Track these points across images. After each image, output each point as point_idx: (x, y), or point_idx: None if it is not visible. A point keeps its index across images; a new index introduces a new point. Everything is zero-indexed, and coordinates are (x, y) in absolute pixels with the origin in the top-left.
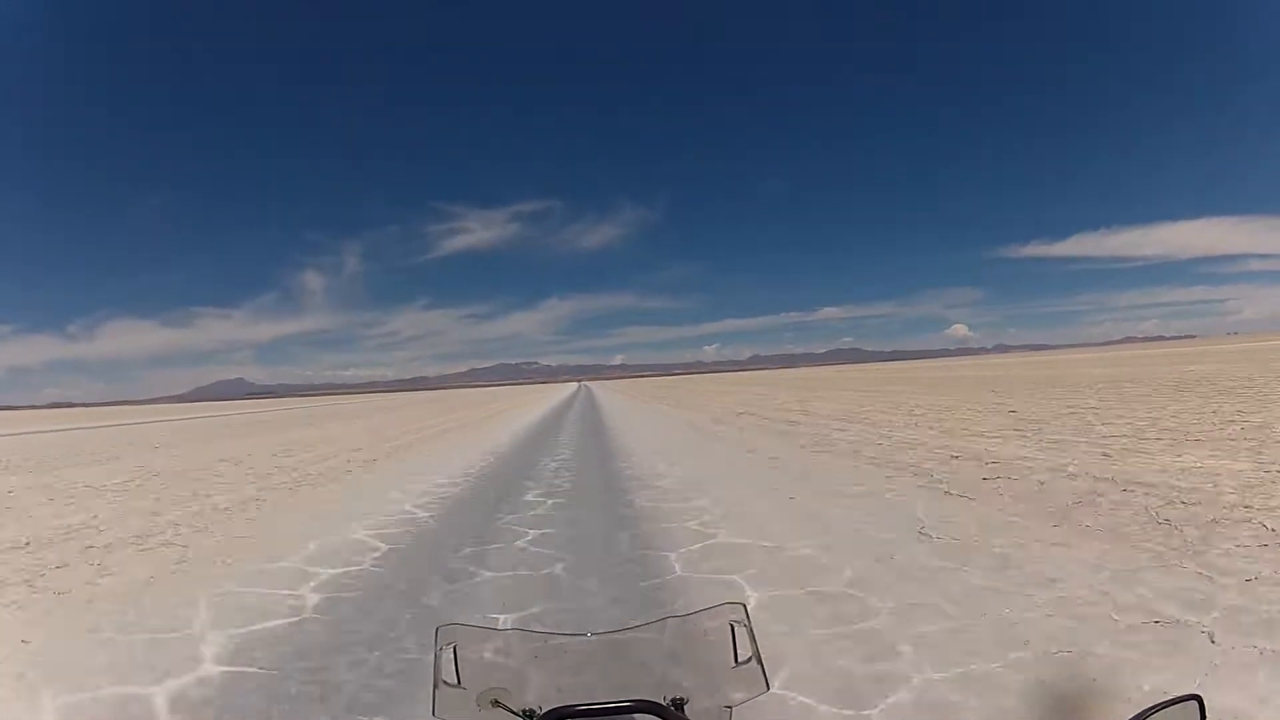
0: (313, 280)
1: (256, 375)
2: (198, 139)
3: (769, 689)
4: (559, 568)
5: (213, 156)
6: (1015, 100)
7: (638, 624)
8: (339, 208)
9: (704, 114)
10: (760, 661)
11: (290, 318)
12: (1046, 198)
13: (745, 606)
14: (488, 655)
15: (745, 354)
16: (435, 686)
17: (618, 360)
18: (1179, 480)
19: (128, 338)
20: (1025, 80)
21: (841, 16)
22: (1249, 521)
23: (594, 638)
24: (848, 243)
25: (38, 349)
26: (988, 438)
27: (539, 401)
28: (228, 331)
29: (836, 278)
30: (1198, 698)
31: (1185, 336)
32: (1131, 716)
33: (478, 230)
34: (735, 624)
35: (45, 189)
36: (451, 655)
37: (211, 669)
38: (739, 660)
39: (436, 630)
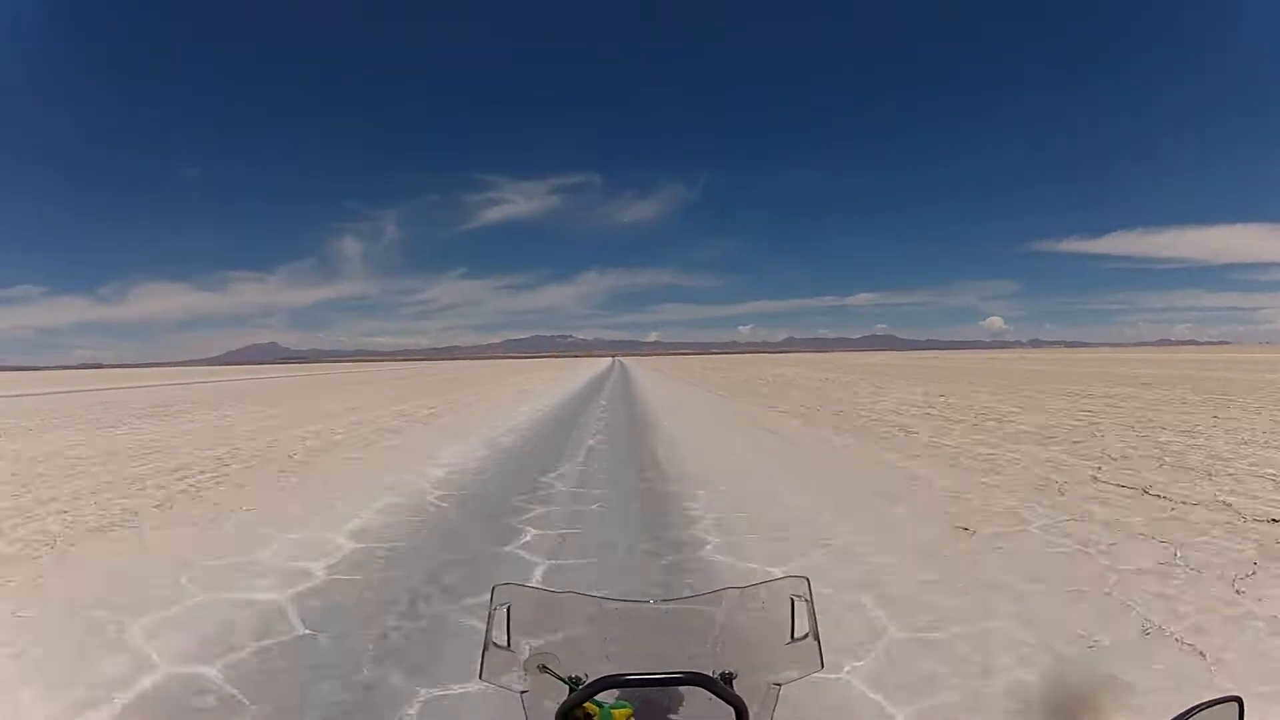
0: (350, 247)
1: (288, 340)
2: (239, 106)
3: (822, 668)
4: None
5: (253, 123)
6: (1058, 95)
7: (698, 593)
8: (379, 175)
9: (746, 93)
10: (817, 639)
11: (326, 283)
12: (1085, 193)
13: (808, 581)
14: (541, 618)
15: (780, 336)
16: (485, 649)
17: (653, 337)
18: None
19: (160, 300)
20: (1068, 76)
21: (887, 6)
22: None
23: (651, 605)
24: (886, 228)
25: (68, 310)
26: None
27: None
28: (262, 296)
29: (873, 263)
30: (1238, 699)
31: (1220, 343)
32: (1172, 718)
33: (517, 201)
34: (796, 598)
35: (81, 152)
36: (504, 616)
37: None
38: (795, 636)
39: (493, 590)
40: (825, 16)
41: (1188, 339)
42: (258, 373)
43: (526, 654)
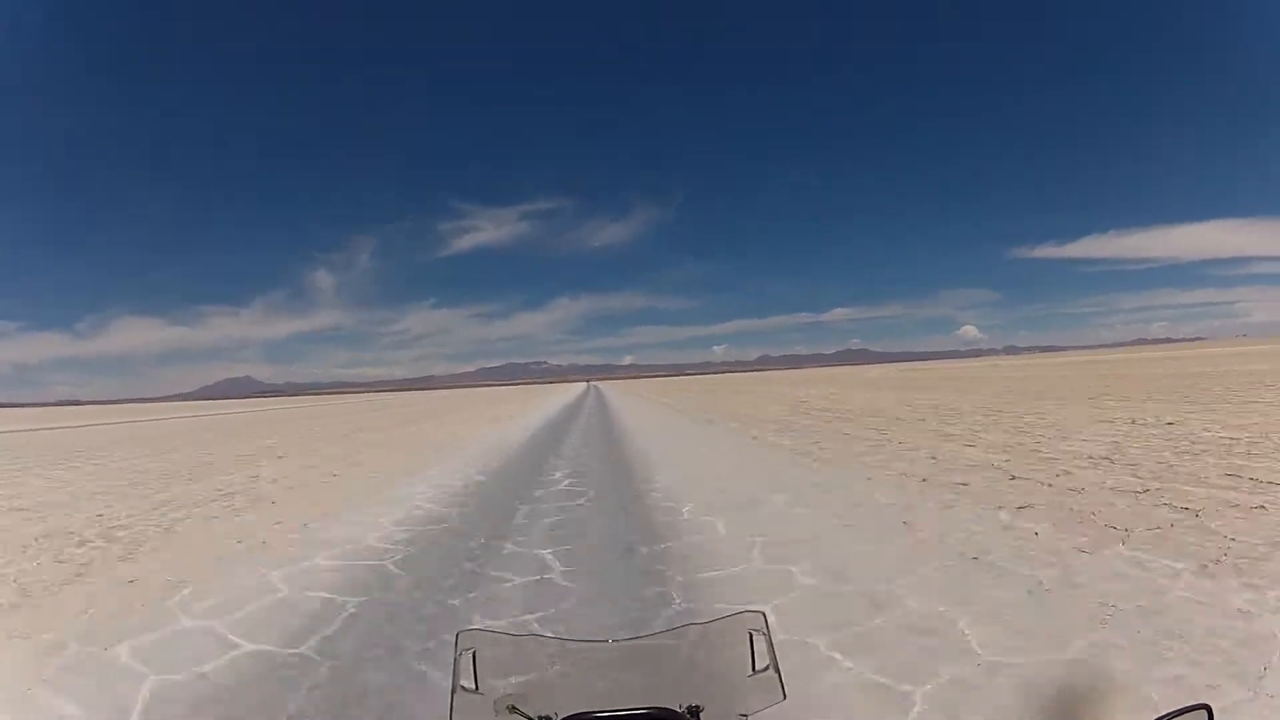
0: (323, 279)
1: (263, 373)
2: (207, 136)
3: (785, 698)
4: None
5: (223, 154)
6: (1026, 102)
7: (658, 631)
8: (350, 205)
9: (718, 114)
10: (778, 670)
11: (300, 316)
12: (1057, 199)
13: (765, 615)
14: (506, 661)
15: (754, 355)
16: (453, 692)
17: (627, 360)
18: None
19: (136, 335)
20: (1036, 82)
21: (855, 17)
22: None
23: (613, 644)
24: (860, 243)
25: (44, 346)
26: None
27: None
28: (237, 329)
29: (848, 278)
30: (1207, 707)
31: (1195, 339)
32: None
33: (489, 229)
34: (754, 632)
35: (53, 187)
36: (470, 661)
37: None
38: (756, 669)
39: (456, 636)
40: (796, 34)
41: (1164, 337)
42: (207, 410)
43: (495, 696)
